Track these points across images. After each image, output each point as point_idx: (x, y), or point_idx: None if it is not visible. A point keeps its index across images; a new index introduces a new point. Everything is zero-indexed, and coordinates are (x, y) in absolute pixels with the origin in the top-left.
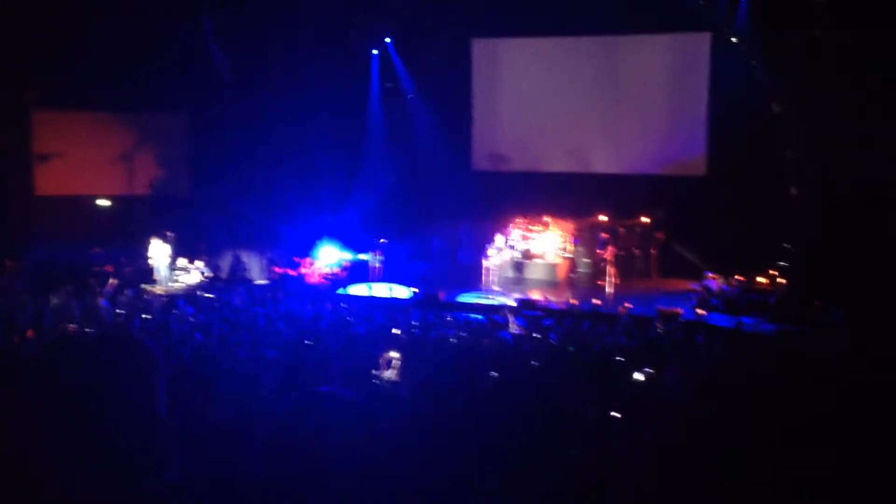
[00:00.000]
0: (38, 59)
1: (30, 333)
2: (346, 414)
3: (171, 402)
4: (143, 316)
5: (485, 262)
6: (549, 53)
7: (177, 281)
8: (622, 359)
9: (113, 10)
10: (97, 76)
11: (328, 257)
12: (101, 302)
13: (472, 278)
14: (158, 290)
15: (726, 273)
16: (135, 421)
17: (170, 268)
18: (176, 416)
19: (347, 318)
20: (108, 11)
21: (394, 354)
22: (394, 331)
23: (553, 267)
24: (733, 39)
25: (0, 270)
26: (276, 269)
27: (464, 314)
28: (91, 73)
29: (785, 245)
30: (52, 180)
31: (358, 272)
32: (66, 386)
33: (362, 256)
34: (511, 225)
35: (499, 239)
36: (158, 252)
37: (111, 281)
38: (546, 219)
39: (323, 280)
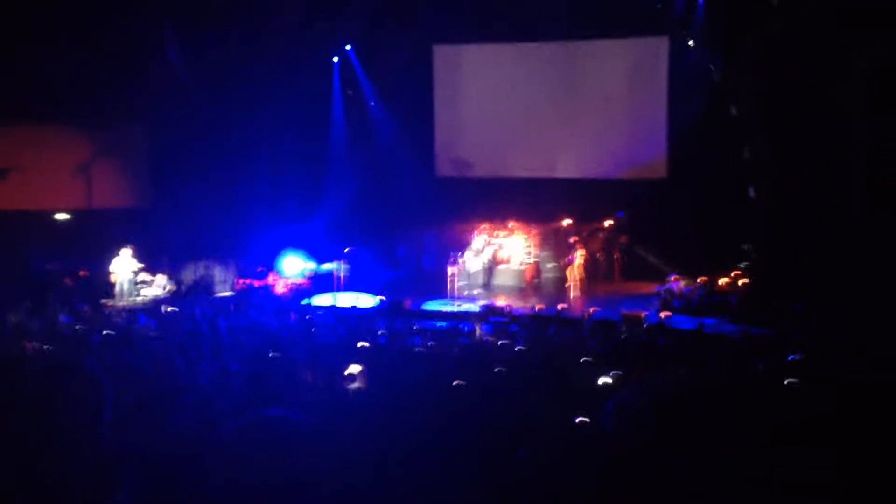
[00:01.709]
0: None
1: None
2: (296, 436)
3: (123, 424)
4: (105, 332)
5: (450, 269)
6: (510, 59)
7: (139, 294)
8: (588, 360)
9: (70, 19)
10: (53, 87)
11: (292, 267)
12: (61, 318)
13: (438, 285)
14: (120, 303)
15: (689, 275)
16: (78, 447)
17: (132, 281)
18: (127, 438)
19: (312, 328)
20: (65, 21)
21: (354, 369)
22: (360, 344)
23: (518, 272)
24: (690, 43)
25: None
26: (240, 281)
27: (430, 322)
28: (47, 84)
29: (745, 246)
30: (7, 195)
31: (323, 282)
32: (12, 410)
33: (327, 265)
34: (476, 231)
35: (464, 245)
36: (120, 265)
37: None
38: (511, 224)
39: (287, 290)
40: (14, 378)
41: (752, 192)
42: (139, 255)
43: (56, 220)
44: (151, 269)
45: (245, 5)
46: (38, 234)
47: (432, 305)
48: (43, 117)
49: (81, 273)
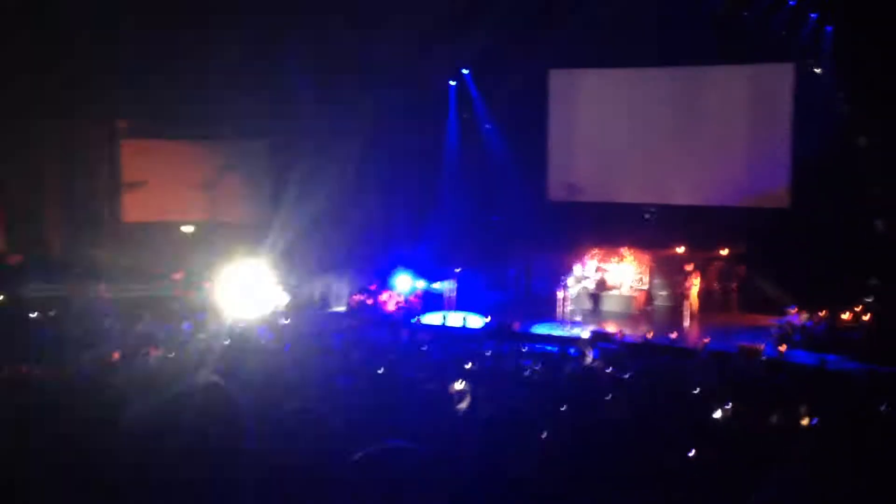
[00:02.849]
0: (126, 91)
1: (115, 356)
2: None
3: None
4: (225, 342)
5: (560, 293)
6: (626, 84)
7: (257, 307)
8: (700, 393)
9: (197, 40)
10: (182, 105)
11: (404, 286)
12: (185, 326)
13: (547, 309)
14: (242, 314)
15: (810, 308)
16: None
17: (250, 294)
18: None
19: (422, 347)
20: (192, 42)
21: (459, 386)
22: (467, 365)
23: (629, 299)
24: (817, 70)
25: (87, 294)
26: (354, 297)
27: (538, 345)
28: (176, 102)
29: (872, 280)
30: (139, 207)
31: (432, 301)
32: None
33: (437, 285)
34: (587, 256)
35: (574, 270)
36: (244, 277)
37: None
38: (622, 250)
39: (398, 308)
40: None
41: (880, 226)
42: (261, 269)
43: (182, 232)
44: (272, 282)
45: (364, 28)
46: (166, 244)
47: (541, 329)
48: (172, 134)
49: (206, 284)
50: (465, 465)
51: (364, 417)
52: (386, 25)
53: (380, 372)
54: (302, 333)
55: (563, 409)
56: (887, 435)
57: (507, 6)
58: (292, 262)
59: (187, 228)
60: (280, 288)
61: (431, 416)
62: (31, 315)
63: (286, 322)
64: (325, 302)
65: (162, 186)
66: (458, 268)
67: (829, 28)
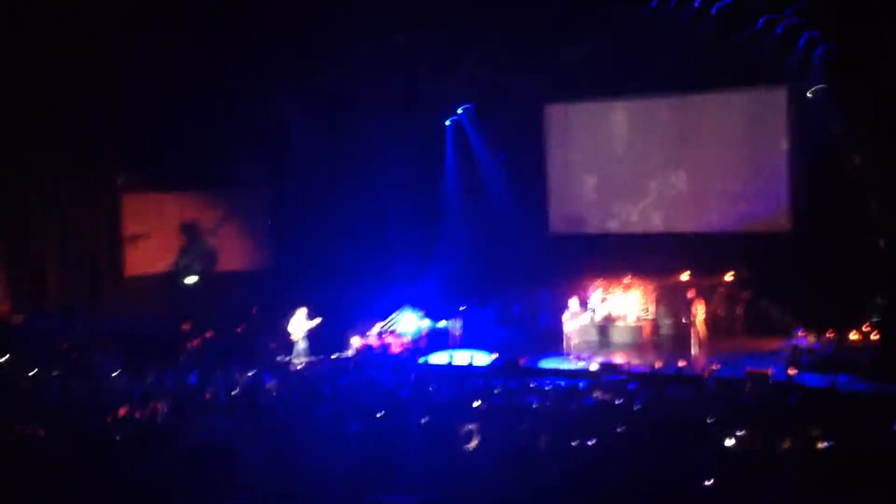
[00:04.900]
0: (125, 144)
1: (122, 412)
2: None
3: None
4: (232, 392)
5: (565, 326)
6: (622, 114)
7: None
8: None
9: (195, 90)
10: (182, 156)
11: (408, 326)
12: (190, 378)
13: (554, 342)
14: (297, 361)
15: (816, 329)
16: None
17: (306, 339)
18: None
19: (429, 387)
20: (191, 92)
21: (471, 427)
22: (475, 404)
23: (636, 329)
24: (808, 94)
25: (90, 349)
26: (360, 340)
27: (546, 380)
28: (176, 153)
29: (878, 299)
30: (140, 259)
31: (438, 340)
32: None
33: (442, 324)
34: (591, 287)
35: (579, 302)
36: (296, 325)
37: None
38: (626, 280)
39: (404, 349)
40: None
41: (882, 244)
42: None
43: (184, 283)
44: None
45: (360, 71)
46: (168, 296)
47: (548, 363)
48: (172, 186)
49: (207, 335)
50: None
51: (370, 464)
52: (383, 65)
53: (379, 416)
54: (309, 378)
55: (574, 443)
56: None
57: (501, 43)
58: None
59: (190, 279)
60: (297, 331)
61: (439, 459)
62: (32, 374)
63: (299, 367)
64: (332, 345)
65: (164, 237)
66: (462, 305)
67: (819, 49)
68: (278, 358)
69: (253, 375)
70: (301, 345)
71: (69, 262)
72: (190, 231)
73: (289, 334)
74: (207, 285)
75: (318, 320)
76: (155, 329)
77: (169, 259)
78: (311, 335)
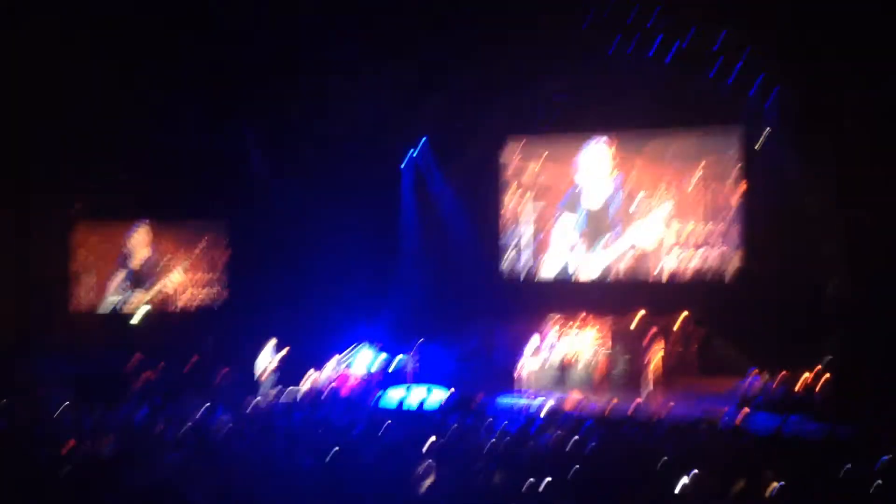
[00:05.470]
0: (77, 173)
1: (72, 443)
2: None
3: None
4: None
5: (522, 363)
6: (577, 151)
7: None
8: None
9: (152, 118)
10: (137, 186)
11: (365, 360)
12: (141, 412)
13: (510, 380)
14: (266, 396)
15: (770, 369)
16: None
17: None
18: None
19: (383, 425)
20: (148, 121)
21: (428, 465)
22: (430, 439)
23: (591, 367)
24: (764, 134)
25: (39, 382)
26: (313, 377)
27: (503, 417)
28: (129, 183)
29: (828, 339)
30: (91, 292)
31: (394, 375)
32: None
33: (398, 359)
34: (548, 324)
35: (536, 339)
36: (264, 360)
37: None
38: (582, 317)
39: (359, 384)
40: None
41: (832, 286)
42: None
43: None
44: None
45: (320, 103)
46: (118, 331)
47: (505, 400)
48: (126, 216)
49: (159, 366)
50: None
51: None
52: (345, 97)
53: (333, 453)
54: (259, 416)
55: (529, 481)
56: (851, 496)
57: (461, 79)
58: (248, 342)
59: (141, 313)
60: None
61: (393, 498)
62: None
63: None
64: (287, 380)
65: (113, 270)
66: (419, 340)
67: (775, 90)
68: (249, 398)
69: (204, 410)
70: (268, 380)
71: (19, 295)
72: (143, 263)
73: (255, 371)
74: (159, 319)
75: (283, 352)
76: (105, 363)
77: (119, 292)
78: (279, 369)
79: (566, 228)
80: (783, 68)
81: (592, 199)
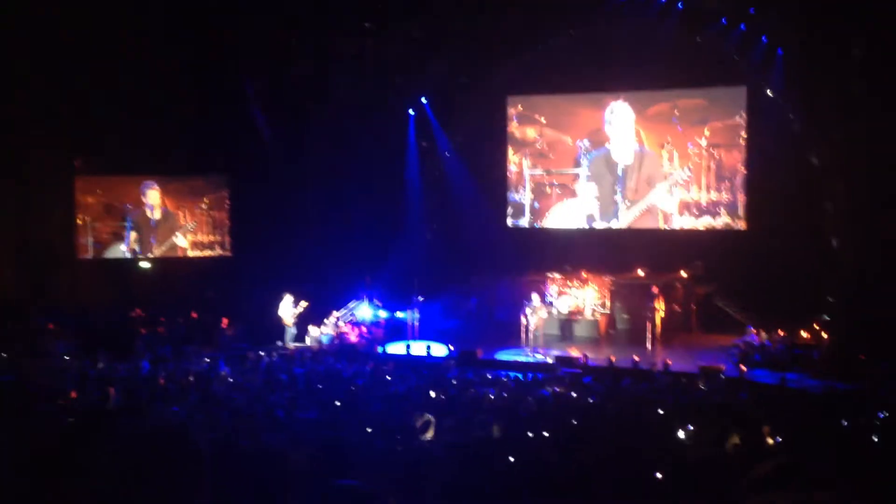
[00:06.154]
0: (81, 127)
1: (73, 395)
2: None
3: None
4: (190, 378)
5: (523, 319)
6: (581, 108)
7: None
8: (662, 413)
9: (156, 75)
10: (139, 141)
11: (366, 316)
12: (143, 363)
13: (511, 335)
14: (291, 346)
15: (769, 328)
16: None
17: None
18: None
19: (386, 377)
20: (151, 77)
21: (426, 419)
22: (431, 393)
23: (592, 323)
24: (769, 93)
25: (43, 334)
26: (317, 329)
27: (503, 372)
28: (133, 138)
29: (828, 298)
30: (96, 245)
31: (395, 330)
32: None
33: (400, 314)
34: (549, 281)
35: (537, 295)
36: (285, 310)
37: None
38: (584, 274)
39: (361, 339)
40: (117, 442)
41: (834, 244)
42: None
43: (139, 268)
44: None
45: (323, 60)
46: (121, 281)
47: (505, 356)
48: (129, 170)
49: (161, 320)
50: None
51: (325, 452)
52: (349, 55)
53: (338, 404)
54: (265, 367)
55: (529, 435)
56: (850, 449)
57: (464, 36)
58: (252, 296)
59: (145, 263)
60: (287, 317)
61: (395, 447)
62: None
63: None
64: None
65: (117, 222)
66: (420, 296)
67: (779, 51)
68: (278, 343)
69: (208, 362)
70: (292, 330)
71: (22, 244)
72: (146, 215)
73: (280, 319)
74: (163, 270)
75: (304, 305)
76: (109, 315)
77: (123, 243)
78: (300, 320)
79: (581, 187)
80: (788, 27)
81: (617, 155)
